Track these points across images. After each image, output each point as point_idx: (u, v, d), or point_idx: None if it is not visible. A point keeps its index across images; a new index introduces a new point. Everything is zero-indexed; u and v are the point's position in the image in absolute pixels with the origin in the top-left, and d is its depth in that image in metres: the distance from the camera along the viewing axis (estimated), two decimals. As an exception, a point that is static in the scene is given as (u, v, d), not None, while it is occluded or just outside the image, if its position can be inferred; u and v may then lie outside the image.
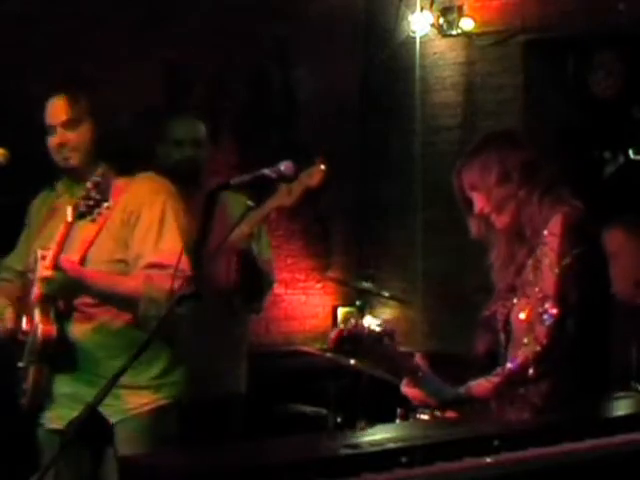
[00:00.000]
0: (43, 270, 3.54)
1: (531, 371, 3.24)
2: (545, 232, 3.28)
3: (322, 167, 3.97)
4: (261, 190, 3.46)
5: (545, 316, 3.24)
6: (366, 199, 7.61)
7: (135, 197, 3.70)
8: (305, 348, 6.84)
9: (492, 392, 3.28)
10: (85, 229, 3.61)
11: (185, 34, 6.55)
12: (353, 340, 3.37)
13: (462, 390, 3.32)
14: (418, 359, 3.39)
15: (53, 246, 3.58)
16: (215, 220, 4.34)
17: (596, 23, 6.38)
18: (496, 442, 2.57)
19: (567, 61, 7.07)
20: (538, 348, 3.23)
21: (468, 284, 6.10)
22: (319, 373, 5.62)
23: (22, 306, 3.76)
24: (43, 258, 3.57)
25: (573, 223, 3.28)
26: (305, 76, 7.16)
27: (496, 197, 3.36)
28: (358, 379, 5.03)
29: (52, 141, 3.74)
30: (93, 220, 3.49)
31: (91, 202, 3.43)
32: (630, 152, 7.11)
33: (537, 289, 3.28)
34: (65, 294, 3.63)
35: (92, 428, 3.46)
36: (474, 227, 3.50)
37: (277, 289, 6.89)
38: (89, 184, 3.46)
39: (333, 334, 3.37)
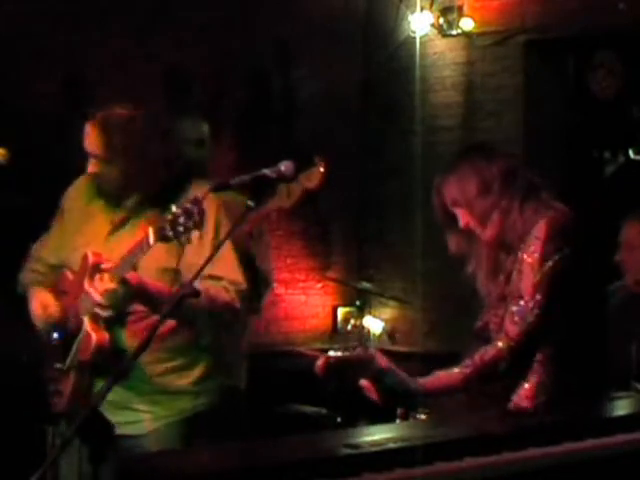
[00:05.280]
0: (106, 282, 3.48)
1: (502, 366, 3.24)
2: (530, 237, 3.28)
3: (321, 169, 3.98)
4: (261, 190, 3.46)
5: (519, 314, 3.24)
6: (366, 199, 7.61)
7: None
8: (305, 350, 6.84)
9: (462, 383, 3.27)
10: (130, 239, 3.57)
11: (185, 34, 6.55)
12: (342, 366, 3.35)
13: (426, 382, 3.30)
14: (378, 356, 3.36)
15: (117, 258, 3.51)
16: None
17: (596, 23, 6.39)
18: (496, 442, 2.57)
19: (567, 61, 7.08)
20: (510, 343, 3.24)
21: (468, 284, 6.10)
22: (319, 373, 5.61)
23: (62, 301, 3.74)
24: (101, 270, 3.50)
25: (558, 227, 3.28)
26: (305, 76, 7.17)
27: (478, 209, 3.35)
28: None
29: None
30: (180, 244, 3.42)
31: (181, 228, 3.27)
32: (630, 152, 7.12)
33: (517, 289, 3.28)
34: (125, 305, 3.59)
35: (93, 428, 3.46)
36: (453, 243, 3.50)
37: (277, 289, 6.89)
38: (178, 210, 3.29)
39: (320, 361, 3.34)
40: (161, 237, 3.33)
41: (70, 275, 3.73)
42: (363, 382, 3.34)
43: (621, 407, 3.23)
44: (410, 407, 3.68)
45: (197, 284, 3.47)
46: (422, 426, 3.26)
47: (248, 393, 4.67)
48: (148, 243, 3.40)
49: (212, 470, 2.37)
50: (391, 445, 2.50)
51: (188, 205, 3.28)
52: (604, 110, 6.92)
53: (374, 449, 2.48)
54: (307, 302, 7.42)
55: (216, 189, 4.26)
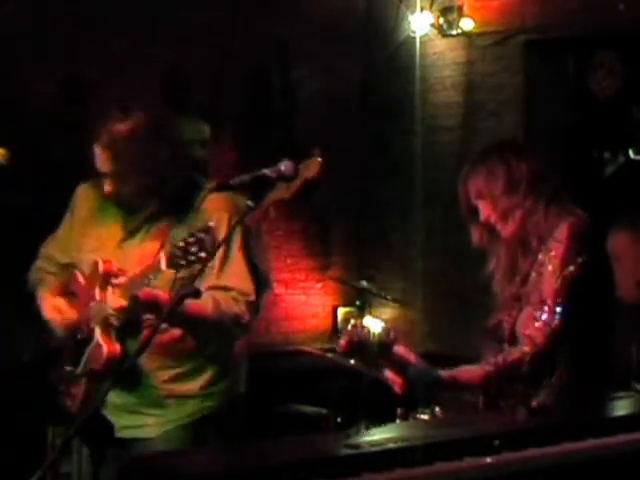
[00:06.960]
0: (117, 300, 3.49)
1: (524, 370, 3.25)
2: (550, 240, 3.30)
3: (319, 158, 4.01)
4: (261, 190, 3.46)
5: (543, 319, 3.25)
6: (366, 199, 7.61)
7: (200, 216, 3.60)
8: (306, 348, 6.84)
9: (481, 380, 3.28)
10: (145, 249, 3.55)
11: (185, 34, 6.55)
12: (364, 345, 3.36)
13: (448, 373, 3.30)
14: (400, 348, 3.36)
15: (129, 267, 3.50)
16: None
17: (596, 23, 6.39)
18: (496, 442, 2.57)
19: (567, 61, 7.08)
20: (534, 349, 3.25)
21: (468, 284, 6.10)
22: (319, 373, 5.62)
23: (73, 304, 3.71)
24: (113, 285, 3.49)
25: (579, 232, 3.30)
26: (305, 76, 7.17)
27: (502, 206, 3.37)
28: (358, 379, 5.04)
29: None
30: (192, 273, 3.27)
31: (192, 257, 3.18)
32: (630, 152, 7.12)
33: (537, 292, 3.29)
34: (136, 319, 3.57)
35: (94, 429, 3.46)
36: (476, 236, 3.50)
37: (277, 289, 6.89)
38: (190, 239, 3.20)
39: (343, 340, 3.35)
40: (172, 264, 3.26)
41: (80, 277, 3.70)
42: (388, 373, 3.36)
43: (621, 407, 3.23)
44: (411, 407, 3.67)
45: (206, 293, 3.46)
46: (422, 426, 3.26)
47: (248, 393, 4.67)
48: (159, 268, 3.34)
49: (212, 470, 2.38)
50: (391, 445, 2.50)
51: (201, 235, 3.18)
52: (604, 110, 6.92)
53: (374, 449, 2.48)
54: (307, 302, 7.42)
55: (217, 189, 4.28)
